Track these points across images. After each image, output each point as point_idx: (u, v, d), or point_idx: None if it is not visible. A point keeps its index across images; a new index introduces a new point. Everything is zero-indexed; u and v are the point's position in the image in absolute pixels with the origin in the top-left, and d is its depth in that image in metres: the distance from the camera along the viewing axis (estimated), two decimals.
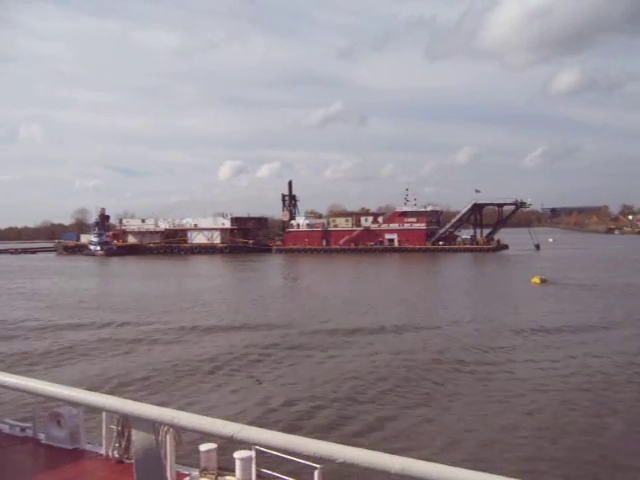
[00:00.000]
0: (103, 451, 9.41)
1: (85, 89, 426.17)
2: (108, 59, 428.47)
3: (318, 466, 7.03)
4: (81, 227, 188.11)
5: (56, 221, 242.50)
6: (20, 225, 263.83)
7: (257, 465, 8.10)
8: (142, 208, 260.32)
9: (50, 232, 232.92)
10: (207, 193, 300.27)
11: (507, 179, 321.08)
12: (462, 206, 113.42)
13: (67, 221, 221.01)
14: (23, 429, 10.26)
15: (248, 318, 34.03)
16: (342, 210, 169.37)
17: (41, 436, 10.02)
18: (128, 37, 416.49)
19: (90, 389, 11.71)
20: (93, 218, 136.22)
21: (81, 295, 48.53)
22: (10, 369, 22.32)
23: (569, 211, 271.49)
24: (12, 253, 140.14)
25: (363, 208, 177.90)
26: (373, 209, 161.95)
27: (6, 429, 10.41)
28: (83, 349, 26.10)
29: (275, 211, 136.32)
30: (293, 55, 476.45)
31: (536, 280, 52.23)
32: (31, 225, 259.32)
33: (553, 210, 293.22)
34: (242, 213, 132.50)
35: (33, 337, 29.22)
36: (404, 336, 27.99)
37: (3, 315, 36.48)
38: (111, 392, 18.10)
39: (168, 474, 8.18)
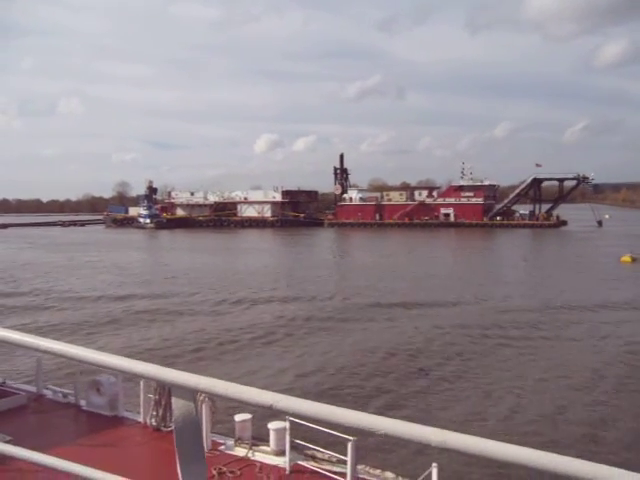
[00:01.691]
0: (141, 419, 9.82)
1: (122, 62, 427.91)
2: (146, 32, 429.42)
3: (352, 438, 7.21)
4: (122, 200, 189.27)
5: (96, 194, 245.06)
6: (62, 198, 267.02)
7: (291, 436, 8.20)
8: (180, 182, 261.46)
9: (91, 205, 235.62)
10: (242, 167, 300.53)
11: (546, 154, 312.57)
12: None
13: (107, 194, 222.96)
14: (65, 395, 10.88)
15: (319, 293, 33.44)
16: (383, 184, 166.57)
17: (82, 403, 10.57)
18: (166, 10, 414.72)
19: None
20: (134, 191, 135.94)
21: (165, 270, 47.92)
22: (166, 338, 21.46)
23: (614, 187, 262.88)
24: (62, 225, 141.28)
25: (404, 182, 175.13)
26: (412, 183, 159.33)
27: (49, 395, 11.06)
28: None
29: (311, 184, 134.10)
30: (331, 28, 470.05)
31: (626, 259, 49.56)
32: (72, 198, 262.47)
33: (595, 186, 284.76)
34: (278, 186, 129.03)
35: (150, 304, 29.09)
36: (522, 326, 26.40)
37: (114, 291, 35.94)
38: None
39: (204, 443, 8.10)
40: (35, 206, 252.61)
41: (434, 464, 7.08)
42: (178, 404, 1.82)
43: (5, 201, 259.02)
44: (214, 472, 7.96)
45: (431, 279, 39.70)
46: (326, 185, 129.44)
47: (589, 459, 1.32)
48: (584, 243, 72.27)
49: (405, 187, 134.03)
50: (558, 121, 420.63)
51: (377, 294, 33.01)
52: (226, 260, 55.95)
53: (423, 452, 9.95)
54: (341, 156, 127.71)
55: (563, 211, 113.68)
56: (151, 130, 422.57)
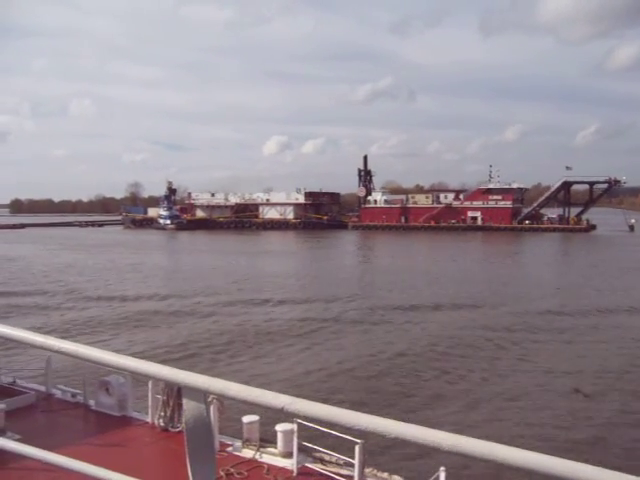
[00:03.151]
0: (149, 419, 9.82)
1: (134, 64, 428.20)
2: (157, 34, 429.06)
3: (360, 441, 7.21)
4: (135, 200, 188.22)
5: (107, 194, 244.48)
6: (73, 198, 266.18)
7: (298, 438, 8.20)
8: (189, 183, 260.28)
9: (102, 205, 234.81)
10: (251, 169, 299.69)
11: (557, 157, 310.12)
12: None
13: (118, 194, 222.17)
14: (74, 395, 10.92)
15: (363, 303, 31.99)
16: (397, 186, 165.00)
17: (91, 403, 10.61)
18: (178, 12, 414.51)
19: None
20: (146, 192, 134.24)
21: (215, 273, 46.30)
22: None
23: (631, 191, 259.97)
24: (79, 226, 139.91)
25: (417, 185, 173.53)
26: (425, 186, 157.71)
27: (58, 394, 11.10)
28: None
29: (321, 186, 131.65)
30: (342, 30, 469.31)
31: None
32: (83, 198, 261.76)
33: (608, 190, 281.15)
34: (288, 189, 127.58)
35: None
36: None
37: (178, 293, 34.56)
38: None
39: (215, 444, 7.93)
40: (47, 206, 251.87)
41: (442, 468, 6.99)
42: (189, 405, 1.81)
43: (17, 201, 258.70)
44: (222, 473, 8.02)
45: (492, 284, 38.32)
46: (337, 187, 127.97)
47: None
48: (629, 248, 70.20)
49: (421, 189, 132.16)
50: (569, 124, 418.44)
51: (422, 299, 32.55)
52: (264, 263, 55.06)
53: (431, 456, 9.98)
54: (365, 158, 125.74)
55: (585, 215, 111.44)
56: (161, 131, 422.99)
